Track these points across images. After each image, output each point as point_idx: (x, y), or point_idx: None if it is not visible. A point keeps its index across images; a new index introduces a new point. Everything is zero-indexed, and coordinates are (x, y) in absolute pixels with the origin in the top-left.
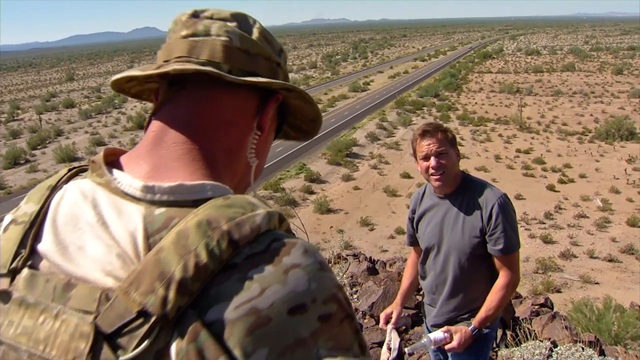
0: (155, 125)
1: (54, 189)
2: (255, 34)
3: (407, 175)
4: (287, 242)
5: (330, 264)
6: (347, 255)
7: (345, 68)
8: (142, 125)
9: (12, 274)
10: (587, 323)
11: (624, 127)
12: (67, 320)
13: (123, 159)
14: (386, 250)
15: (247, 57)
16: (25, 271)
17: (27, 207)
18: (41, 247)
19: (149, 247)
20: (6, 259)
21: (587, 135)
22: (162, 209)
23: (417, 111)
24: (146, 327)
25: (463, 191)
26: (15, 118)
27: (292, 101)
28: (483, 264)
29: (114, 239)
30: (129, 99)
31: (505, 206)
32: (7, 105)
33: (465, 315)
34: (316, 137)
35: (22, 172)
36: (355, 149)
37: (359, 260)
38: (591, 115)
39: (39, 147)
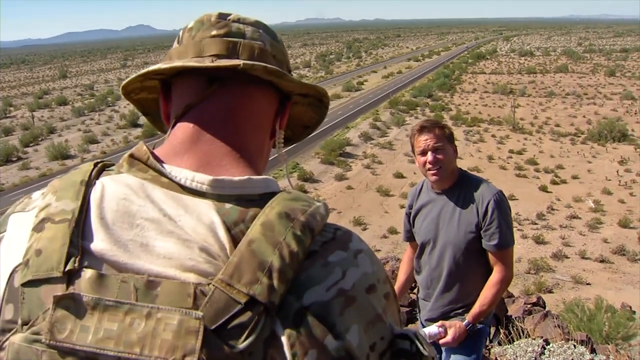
0: (195, 120)
1: (88, 185)
2: (278, 39)
3: (400, 175)
4: (344, 230)
5: None
6: None
7: (339, 68)
8: (135, 124)
9: (68, 277)
10: (579, 323)
11: (616, 129)
12: (166, 318)
13: (164, 155)
14: (379, 250)
15: (275, 62)
16: (89, 272)
17: (63, 204)
18: (94, 246)
19: (232, 239)
20: (57, 261)
21: (579, 136)
22: (232, 202)
23: (410, 111)
24: (255, 316)
25: (460, 187)
26: (8, 115)
27: (298, 107)
28: (478, 260)
29: (189, 233)
30: (122, 96)
31: (500, 202)
32: (0, 103)
33: (460, 310)
34: (309, 136)
35: (14, 169)
36: (348, 149)
37: None
38: (584, 116)
39: (31, 145)
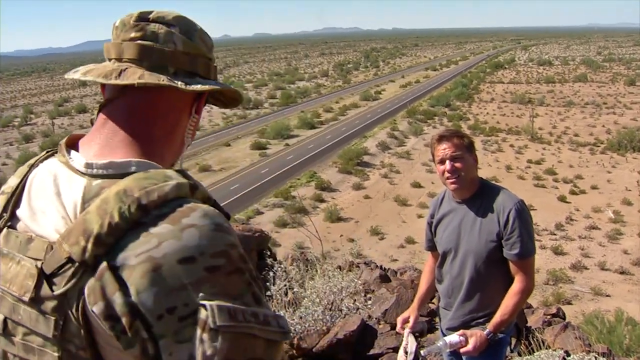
0: (104, 112)
1: (32, 167)
2: (195, 36)
3: (417, 185)
4: (190, 207)
5: (343, 271)
6: (359, 263)
7: (356, 77)
8: None
9: None
10: (598, 335)
11: (636, 139)
12: (24, 265)
13: (81, 142)
14: (396, 260)
15: (189, 58)
16: (5, 230)
17: (12, 180)
18: (19, 212)
19: (83, 210)
20: None
21: (599, 146)
22: (98, 181)
23: (428, 121)
24: (72, 269)
25: (480, 196)
26: (29, 122)
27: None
28: (499, 269)
29: (62, 204)
30: None
31: (522, 211)
32: (21, 110)
33: (481, 320)
34: (327, 145)
35: None
36: (366, 158)
37: (371, 268)
38: (603, 126)
39: None
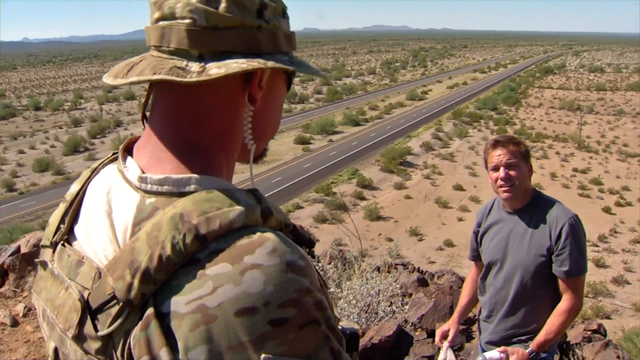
0: (150, 115)
1: (94, 171)
2: (222, 2)
3: (459, 188)
4: (255, 240)
5: (381, 272)
6: (396, 265)
7: (404, 76)
8: None
9: (54, 246)
10: (638, 353)
11: None
12: (71, 293)
13: (135, 147)
14: (434, 262)
15: (217, 34)
16: (60, 245)
17: (74, 187)
18: (77, 227)
19: (133, 235)
20: (50, 233)
21: None
22: (152, 199)
23: (474, 123)
24: (117, 308)
25: (533, 208)
26: (78, 107)
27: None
28: (546, 285)
29: (112, 224)
30: None
31: (576, 227)
32: (71, 94)
33: (523, 337)
34: (371, 142)
35: (81, 159)
36: (409, 158)
37: (409, 271)
38: None
39: (98, 137)
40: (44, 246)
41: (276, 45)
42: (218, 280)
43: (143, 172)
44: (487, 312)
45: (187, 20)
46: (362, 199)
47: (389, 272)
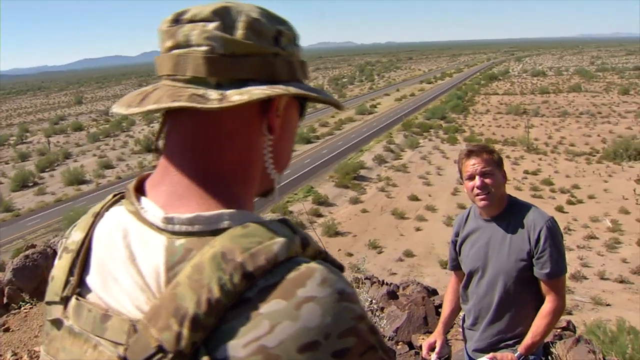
0: (165, 149)
1: (97, 216)
2: (239, 29)
3: (415, 198)
4: (304, 271)
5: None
6: (362, 279)
7: (352, 91)
8: (149, 149)
9: (65, 302)
10: (601, 345)
11: (632, 147)
12: (103, 351)
13: (147, 185)
14: (395, 274)
15: (234, 61)
16: (74, 299)
17: (76, 235)
18: (89, 278)
19: (169, 280)
20: (58, 287)
21: (595, 155)
22: (182, 240)
23: (424, 133)
24: None
25: (509, 213)
26: (24, 141)
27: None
28: (529, 288)
29: (139, 271)
30: (137, 121)
31: (553, 229)
32: (16, 128)
33: (510, 342)
34: (324, 159)
35: (30, 194)
36: (362, 172)
37: (378, 284)
38: (598, 135)
39: (47, 170)
40: (51, 302)
41: (292, 73)
42: (274, 317)
43: (166, 212)
44: (472, 320)
45: (203, 48)
46: (319, 216)
47: (358, 287)
